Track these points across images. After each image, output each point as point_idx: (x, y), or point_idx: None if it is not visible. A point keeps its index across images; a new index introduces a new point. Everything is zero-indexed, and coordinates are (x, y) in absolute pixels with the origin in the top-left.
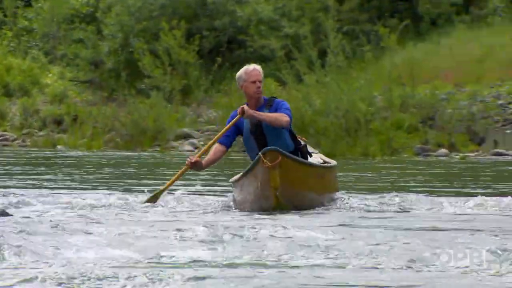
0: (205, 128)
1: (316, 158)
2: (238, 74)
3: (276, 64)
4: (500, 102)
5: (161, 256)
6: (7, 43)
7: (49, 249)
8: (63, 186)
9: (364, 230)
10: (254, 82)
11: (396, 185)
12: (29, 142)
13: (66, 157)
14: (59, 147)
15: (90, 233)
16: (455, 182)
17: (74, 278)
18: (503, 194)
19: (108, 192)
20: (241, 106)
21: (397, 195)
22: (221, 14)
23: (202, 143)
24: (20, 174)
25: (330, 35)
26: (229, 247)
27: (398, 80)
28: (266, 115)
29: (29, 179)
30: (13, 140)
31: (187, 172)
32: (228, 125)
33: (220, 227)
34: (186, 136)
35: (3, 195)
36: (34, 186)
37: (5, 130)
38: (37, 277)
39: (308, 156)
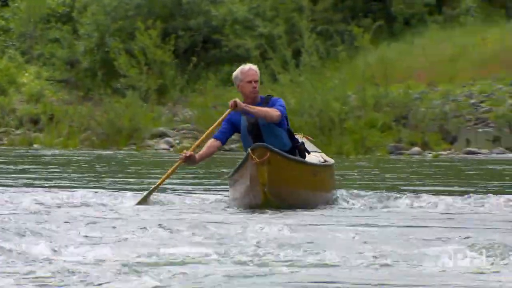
0: (180, 127)
1: (313, 156)
2: (234, 74)
3: None
4: (472, 101)
5: (153, 255)
6: None
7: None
8: (49, 184)
9: (351, 229)
10: (250, 82)
11: (376, 183)
12: (6, 140)
13: (42, 155)
14: (35, 145)
15: (84, 235)
16: (429, 180)
17: (54, 277)
18: (487, 192)
19: (94, 190)
20: (233, 100)
21: (379, 193)
22: (196, 14)
23: (177, 141)
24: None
25: (304, 35)
26: (222, 246)
27: (372, 79)
28: (258, 109)
29: (7, 177)
30: None
31: (178, 169)
32: (220, 119)
33: (212, 226)
34: (162, 135)
35: None
36: (15, 185)
37: None
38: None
39: (306, 154)
